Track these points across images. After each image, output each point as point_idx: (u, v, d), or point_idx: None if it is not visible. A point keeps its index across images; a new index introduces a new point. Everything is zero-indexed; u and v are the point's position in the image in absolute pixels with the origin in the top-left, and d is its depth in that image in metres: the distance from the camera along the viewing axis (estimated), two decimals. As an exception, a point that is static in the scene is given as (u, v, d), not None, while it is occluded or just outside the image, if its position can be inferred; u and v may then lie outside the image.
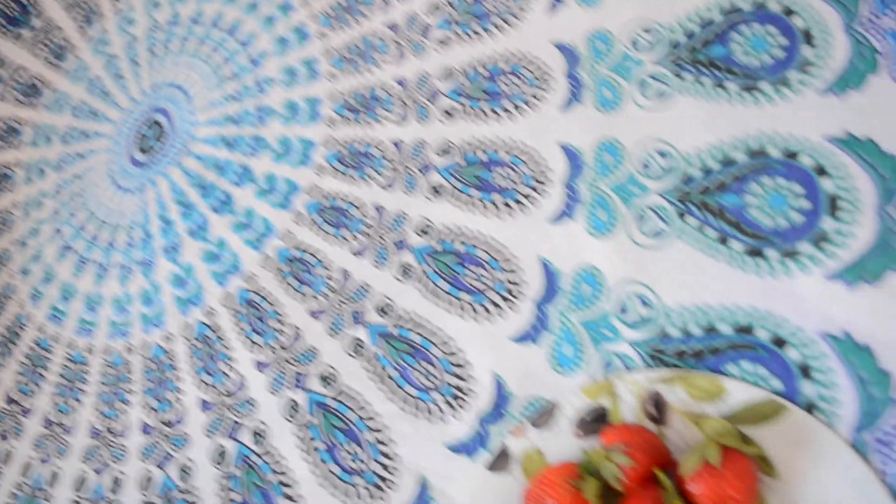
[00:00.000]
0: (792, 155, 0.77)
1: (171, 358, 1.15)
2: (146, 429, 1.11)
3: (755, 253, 0.76)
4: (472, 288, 0.91)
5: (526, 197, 0.93)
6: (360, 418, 0.91)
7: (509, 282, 0.89)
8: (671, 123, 0.86)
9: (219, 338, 1.11)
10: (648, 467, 0.66)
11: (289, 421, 0.96)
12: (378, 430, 0.89)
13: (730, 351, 0.74)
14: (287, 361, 1.01)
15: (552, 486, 0.69)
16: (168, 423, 1.09)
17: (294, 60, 1.31)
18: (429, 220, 0.99)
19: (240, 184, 1.26)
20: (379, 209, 1.05)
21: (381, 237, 1.02)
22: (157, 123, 1.51)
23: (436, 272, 0.95)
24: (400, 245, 1.00)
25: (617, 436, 0.69)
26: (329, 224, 1.09)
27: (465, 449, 0.83)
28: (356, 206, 1.08)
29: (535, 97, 0.98)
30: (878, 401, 0.65)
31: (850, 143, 0.75)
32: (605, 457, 0.68)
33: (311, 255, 1.09)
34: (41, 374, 1.34)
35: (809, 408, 0.68)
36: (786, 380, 0.70)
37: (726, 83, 0.84)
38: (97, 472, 1.14)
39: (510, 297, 0.88)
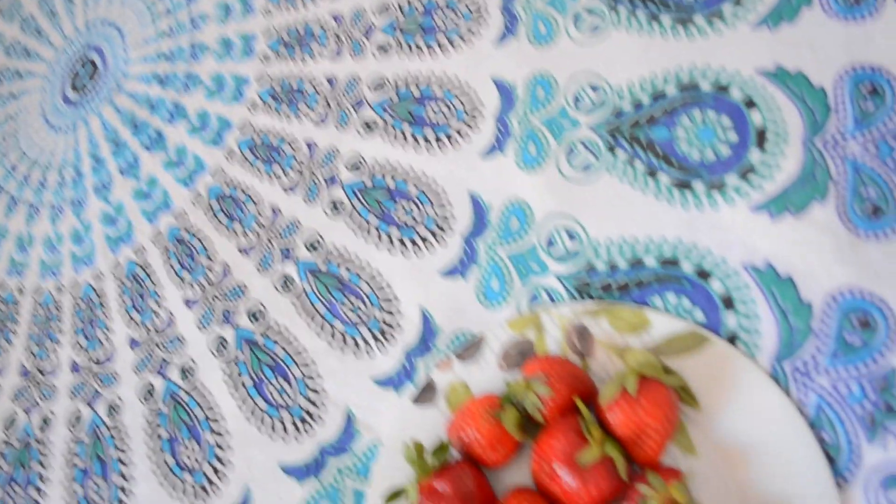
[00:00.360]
0: (723, 88, 0.76)
1: (100, 296, 1.12)
2: (75, 367, 1.08)
3: (682, 185, 0.75)
4: (402, 223, 0.89)
5: (458, 132, 0.90)
6: (288, 354, 0.89)
7: (439, 216, 0.87)
8: (604, 57, 0.85)
9: (148, 275, 1.08)
10: (569, 397, 0.65)
11: (217, 357, 0.94)
12: (305, 365, 0.87)
13: (655, 283, 0.73)
14: (216, 298, 0.98)
15: (473, 418, 0.68)
16: (97, 362, 1.06)
17: (229, -4, 1.27)
18: (360, 156, 0.97)
19: (172, 121, 1.22)
20: (311, 145, 1.02)
21: (312, 173, 1.00)
22: (91, 62, 1.45)
23: (366, 207, 0.92)
24: (331, 181, 0.97)
25: (539, 367, 0.68)
26: (261, 160, 1.06)
27: (391, 383, 0.81)
28: (288, 143, 1.05)
29: (469, 31, 0.95)
30: (799, 331, 0.65)
31: (781, 76, 0.74)
32: (525, 387, 0.66)
33: (243, 191, 1.05)
34: (-30, 315, 1.30)
35: (731, 339, 0.67)
36: (708, 311, 0.69)
37: (660, 16, 0.82)
38: (27, 411, 1.10)
39: (439, 231, 0.86)
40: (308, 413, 0.84)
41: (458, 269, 0.84)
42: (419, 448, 0.66)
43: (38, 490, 1.01)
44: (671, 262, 0.73)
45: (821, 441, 0.61)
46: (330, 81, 1.05)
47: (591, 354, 0.72)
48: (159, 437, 0.93)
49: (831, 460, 0.60)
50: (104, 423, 0.98)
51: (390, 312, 0.85)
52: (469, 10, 0.96)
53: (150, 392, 0.97)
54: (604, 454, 0.60)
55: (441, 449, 0.67)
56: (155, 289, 1.05)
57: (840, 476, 0.59)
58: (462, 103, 0.91)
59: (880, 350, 0.62)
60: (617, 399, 0.62)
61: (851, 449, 0.60)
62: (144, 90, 1.30)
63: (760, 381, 0.64)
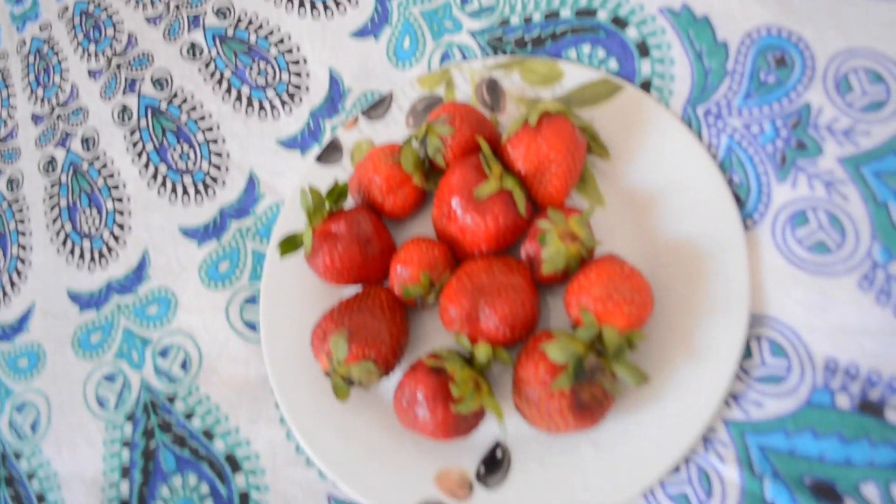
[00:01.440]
0: None
1: (4, 76, 1.03)
2: (-22, 148, 1.00)
3: (604, -66, 0.68)
4: (314, -15, 0.82)
5: None
6: (192, 119, 0.82)
7: (352, -23, 0.79)
8: None
9: (53, 50, 0.99)
10: (471, 138, 0.60)
11: (120, 126, 0.87)
12: (209, 129, 0.81)
13: (569, 35, 0.67)
14: (120, 67, 0.90)
15: (372, 161, 0.62)
16: (-1, 139, 0.97)
17: None
18: (275, -79, 0.88)
19: None
20: (224, -88, 0.93)
21: (224, -60, 0.91)
22: None
23: (278, -29, 0.84)
24: (244, -53, 0.89)
25: (443, 111, 0.62)
26: (172, -70, 0.96)
27: (296, 144, 0.75)
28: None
29: None
30: (713, 73, 0.60)
31: None
32: (427, 129, 0.61)
33: (152, -39, 0.96)
34: None
35: (645, 86, 0.62)
36: (623, 60, 0.64)
37: None
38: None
39: (352, -8, 0.79)
40: (210, 176, 0.78)
41: (369, 30, 0.77)
42: (315, 193, 0.60)
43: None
44: (587, 13, 0.67)
45: (730, 182, 0.56)
46: None
47: (502, 109, 0.66)
48: (59, 206, 0.86)
49: (741, 202, 0.56)
50: (3, 197, 0.91)
51: (298, 74, 0.78)
52: None
53: (51, 164, 0.89)
54: (502, 188, 0.56)
55: (337, 191, 0.61)
56: (59, 62, 0.97)
57: (749, 217, 0.55)
58: None
59: (795, 87, 0.57)
60: (518, 133, 0.57)
61: (761, 189, 0.56)
62: None
63: (670, 126, 0.59)
